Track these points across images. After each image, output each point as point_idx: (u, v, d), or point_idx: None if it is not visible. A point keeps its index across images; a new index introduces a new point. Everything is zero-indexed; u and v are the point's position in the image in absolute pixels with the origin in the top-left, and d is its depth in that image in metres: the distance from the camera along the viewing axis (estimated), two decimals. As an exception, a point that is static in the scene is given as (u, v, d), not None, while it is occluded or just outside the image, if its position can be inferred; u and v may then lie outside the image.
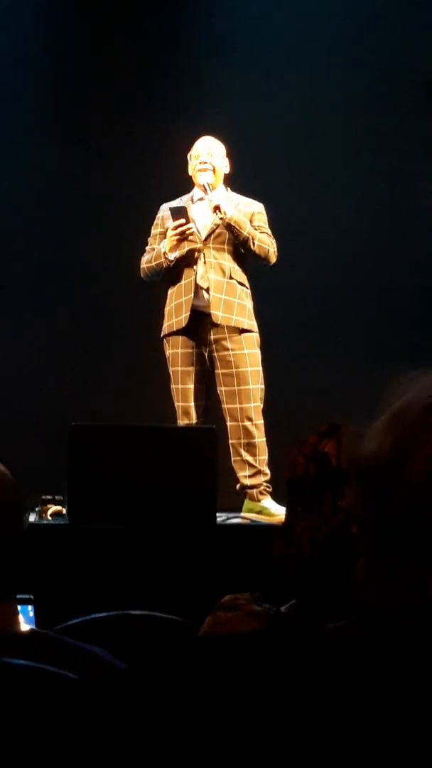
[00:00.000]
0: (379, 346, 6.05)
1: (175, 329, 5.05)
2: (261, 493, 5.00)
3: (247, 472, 5.02)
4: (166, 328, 5.10)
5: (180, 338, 5.06)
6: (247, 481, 5.03)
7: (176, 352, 5.07)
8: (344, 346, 6.19)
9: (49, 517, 4.49)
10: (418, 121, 6.36)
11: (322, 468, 1.55)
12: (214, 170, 5.10)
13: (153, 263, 5.13)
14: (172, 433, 4.39)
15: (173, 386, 5.10)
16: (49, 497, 4.65)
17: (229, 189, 5.21)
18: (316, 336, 6.19)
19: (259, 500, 5.00)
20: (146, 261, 5.17)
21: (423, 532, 0.92)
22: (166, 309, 5.11)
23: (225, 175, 5.20)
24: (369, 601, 0.96)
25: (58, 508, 4.53)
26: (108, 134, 6.43)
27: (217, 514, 4.75)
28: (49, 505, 4.58)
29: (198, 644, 1.32)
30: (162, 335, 5.12)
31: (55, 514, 4.51)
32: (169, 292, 5.11)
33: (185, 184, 5.37)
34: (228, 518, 4.90)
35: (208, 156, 5.11)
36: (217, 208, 5.01)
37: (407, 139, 6.33)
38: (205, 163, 5.09)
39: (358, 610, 1.05)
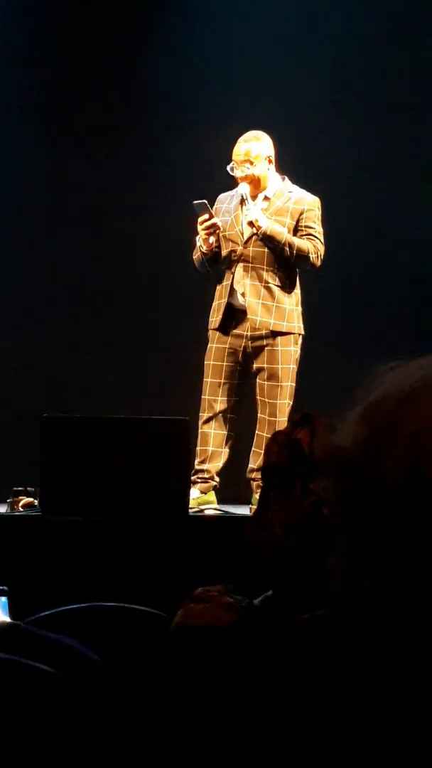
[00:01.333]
0: (373, 341, 6.01)
1: (213, 327, 5.18)
2: (259, 486, 5.04)
3: (254, 465, 5.11)
4: (209, 323, 5.23)
5: (218, 334, 5.18)
6: (252, 474, 5.11)
7: (212, 346, 5.20)
8: (344, 342, 6.16)
9: (21, 509, 4.48)
10: (419, 120, 6.36)
11: (294, 455, 1.56)
12: (253, 178, 5.08)
13: (195, 256, 5.23)
14: (144, 425, 4.39)
15: (204, 379, 5.19)
16: (21, 489, 4.65)
17: (285, 178, 5.21)
18: (317, 332, 6.14)
19: (255, 493, 5.04)
20: (193, 254, 5.26)
21: (397, 526, 0.92)
22: (213, 304, 5.22)
23: (275, 166, 5.17)
24: (342, 594, 0.96)
25: (30, 499, 4.53)
26: (112, 128, 6.40)
27: (191, 506, 4.77)
28: (21, 497, 4.57)
29: (170, 636, 1.32)
30: (208, 328, 5.23)
31: (27, 506, 4.50)
32: (216, 288, 5.23)
33: (191, 178, 5.42)
34: (201, 509, 4.91)
35: (244, 168, 5.07)
36: (251, 224, 5.03)
37: (408, 138, 6.32)
38: (244, 177, 5.08)
39: (331, 602, 1.05)
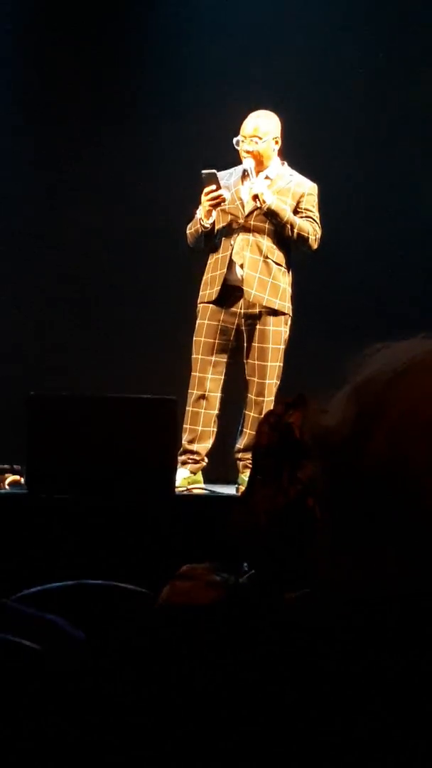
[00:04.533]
0: (361, 322, 6.00)
1: (206, 300, 5.12)
2: (245, 466, 5.04)
3: (241, 444, 5.10)
4: (199, 297, 5.17)
5: (210, 309, 5.13)
6: (239, 454, 5.10)
7: (203, 322, 5.15)
8: (332, 323, 6.15)
9: (7, 487, 4.48)
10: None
11: (284, 439, 1.55)
12: (259, 154, 5.05)
13: (192, 229, 5.17)
14: (131, 403, 4.38)
15: (193, 356, 5.16)
16: (7, 466, 4.65)
17: (285, 163, 5.19)
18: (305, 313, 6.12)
19: (242, 473, 5.05)
20: (188, 227, 5.20)
21: (383, 506, 0.93)
22: (204, 278, 5.18)
23: (279, 149, 5.16)
24: (328, 574, 0.97)
25: (17, 477, 4.53)
26: (109, 109, 6.38)
27: (180, 485, 4.78)
28: (7, 475, 4.57)
29: (155, 614, 1.33)
30: (198, 302, 5.18)
31: (14, 484, 4.50)
32: (208, 262, 5.18)
33: (190, 159, 5.42)
34: (189, 489, 4.92)
35: (251, 143, 5.04)
36: (255, 197, 5.00)
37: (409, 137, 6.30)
38: (249, 152, 5.05)
39: (316, 583, 1.06)
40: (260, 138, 5.05)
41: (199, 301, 5.18)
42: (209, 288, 5.13)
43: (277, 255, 5.09)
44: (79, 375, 5.99)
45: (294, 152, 5.30)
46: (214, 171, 5.04)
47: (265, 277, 5.05)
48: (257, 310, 5.07)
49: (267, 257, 5.06)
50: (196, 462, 5.14)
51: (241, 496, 1.63)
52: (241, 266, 5.07)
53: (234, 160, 5.19)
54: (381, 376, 0.96)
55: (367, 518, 0.93)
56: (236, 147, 5.08)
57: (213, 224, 5.08)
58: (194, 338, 5.17)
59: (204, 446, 5.14)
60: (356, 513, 0.94)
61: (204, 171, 5.04)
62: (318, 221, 5.13)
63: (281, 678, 0.96)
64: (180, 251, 5.37)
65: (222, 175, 5.15)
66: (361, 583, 0.93)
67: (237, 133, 5.13)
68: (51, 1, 6.48)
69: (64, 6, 6.41)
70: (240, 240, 5.08)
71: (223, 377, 5.17)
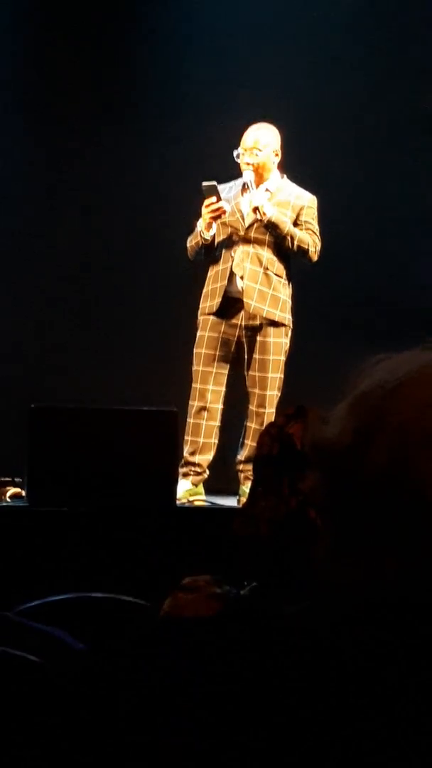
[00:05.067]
0: (360, 333, 5.99)
1: (207, 312, 5.13)
2: (247, 478, 5.03)
3: (243, 456, 5.10)
4: (200, 309, 5.17)
5: (211, 321, 5.13)
6: (240, 466, 5.10)
7: (203, 334, 5.15)
8: (332, 334, 6.14)
9: (9, 499, 4.48)
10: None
11: (285, 449, 1.56)
12: (259, 167, 5.08)
13: (192, 242, 5.19)
14: (132, 416, 4.38)
15: (194, 368, 5.16)
16: (8, 479, 4.64)
17: (284, 176, 5.21)
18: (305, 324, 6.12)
19: (243, 484, 5.04)
20: (189, 240, 5.22)
21: (383, 516, 0.93)
22: (204, 290, 5.19)
23: (279, 162, 5.17)
24: (329, 585, 0.97)
25: (18, 489, 4.52)
26: (109, 109, 6.38)
27: (182, 498, 4.77)
28: (8, 487, 4.57)
29: (157, 626, 1.32)
30: (198, 314, 5.19)
31: (15, 496, 4.50)
32: (209, 274, 5.19)
33: (190, 159, 5.40)
34: (189, 500, 4.92)
35: (251, 155, 5.06)
36: (256, 209, 5.01)
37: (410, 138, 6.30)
38: (249, 164, 5.07)
39: (317, 593, 1.06)
40: (260, 150, 5.07)
41: (199, 313, 5.19)
42: (210, 300, 5.14)
43: (278, 267, 5.10)
44: (79, 375, 5.99)
45: (294, 154, 5.30)
46: (214, 183, 5.05)
47: (265, 289, 5.07)
48: (258, 321, 5.08)
49: (267, 269, 5.08)
50: (198, 474, 5.15)
51: (242, 507, 1.63)
52: (242, 278, 5.08)
53: (234, 172, 5.20)
54: (381, 387, 0.96)
55: (368, 528, 0.93)
56: (236, 159, 5.09)
57: (213, 237, 5.09)
58: (195, 350, 5.17)
59: (205, 458, 5.15)
60: (357, 522, 0.94)
61: (204, 183, 5.05)
62: (318, 233, 5.15)
63: (283, 689, 0.96)
64: (180, 251, 5.36)
65: (222, 188, 5.16)
66: (361, 591, 0.93)
67: (236, 130, 5.15)
68: (51, 1, 6.49)
69: (64, 6, 6.42)
70: (240, 252, 5.10)
71: (224, 389, 5.17)
